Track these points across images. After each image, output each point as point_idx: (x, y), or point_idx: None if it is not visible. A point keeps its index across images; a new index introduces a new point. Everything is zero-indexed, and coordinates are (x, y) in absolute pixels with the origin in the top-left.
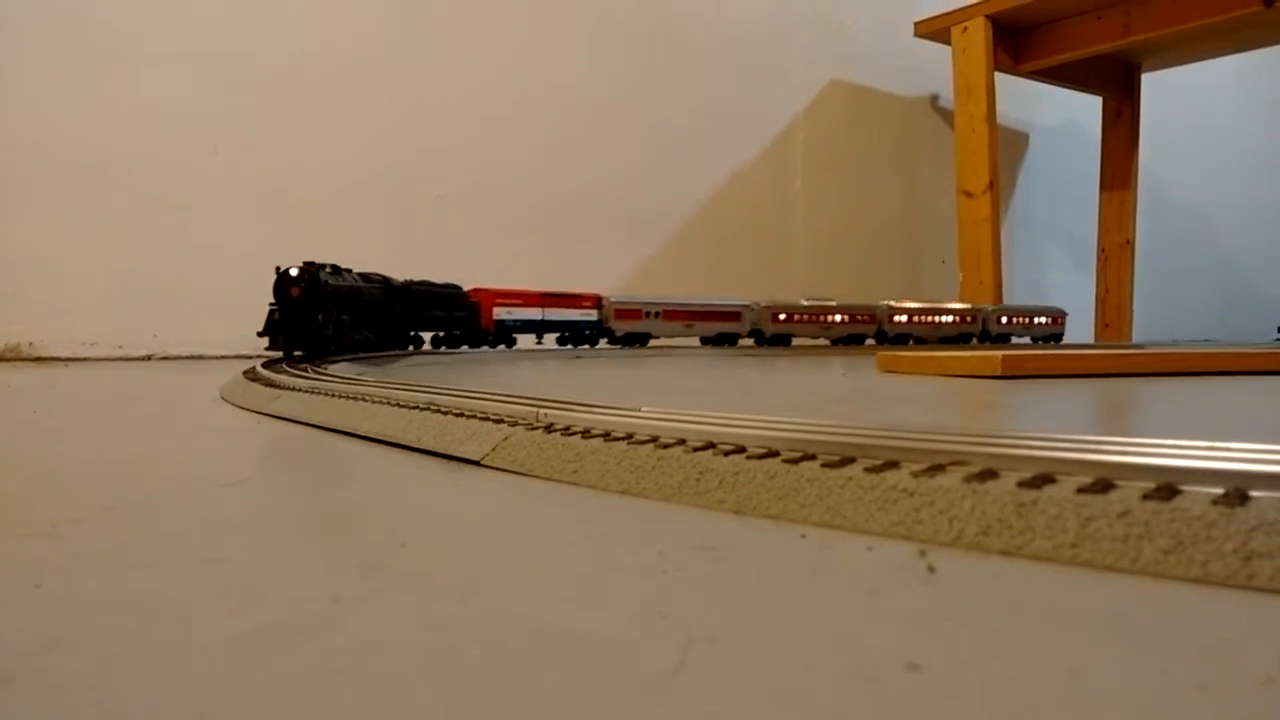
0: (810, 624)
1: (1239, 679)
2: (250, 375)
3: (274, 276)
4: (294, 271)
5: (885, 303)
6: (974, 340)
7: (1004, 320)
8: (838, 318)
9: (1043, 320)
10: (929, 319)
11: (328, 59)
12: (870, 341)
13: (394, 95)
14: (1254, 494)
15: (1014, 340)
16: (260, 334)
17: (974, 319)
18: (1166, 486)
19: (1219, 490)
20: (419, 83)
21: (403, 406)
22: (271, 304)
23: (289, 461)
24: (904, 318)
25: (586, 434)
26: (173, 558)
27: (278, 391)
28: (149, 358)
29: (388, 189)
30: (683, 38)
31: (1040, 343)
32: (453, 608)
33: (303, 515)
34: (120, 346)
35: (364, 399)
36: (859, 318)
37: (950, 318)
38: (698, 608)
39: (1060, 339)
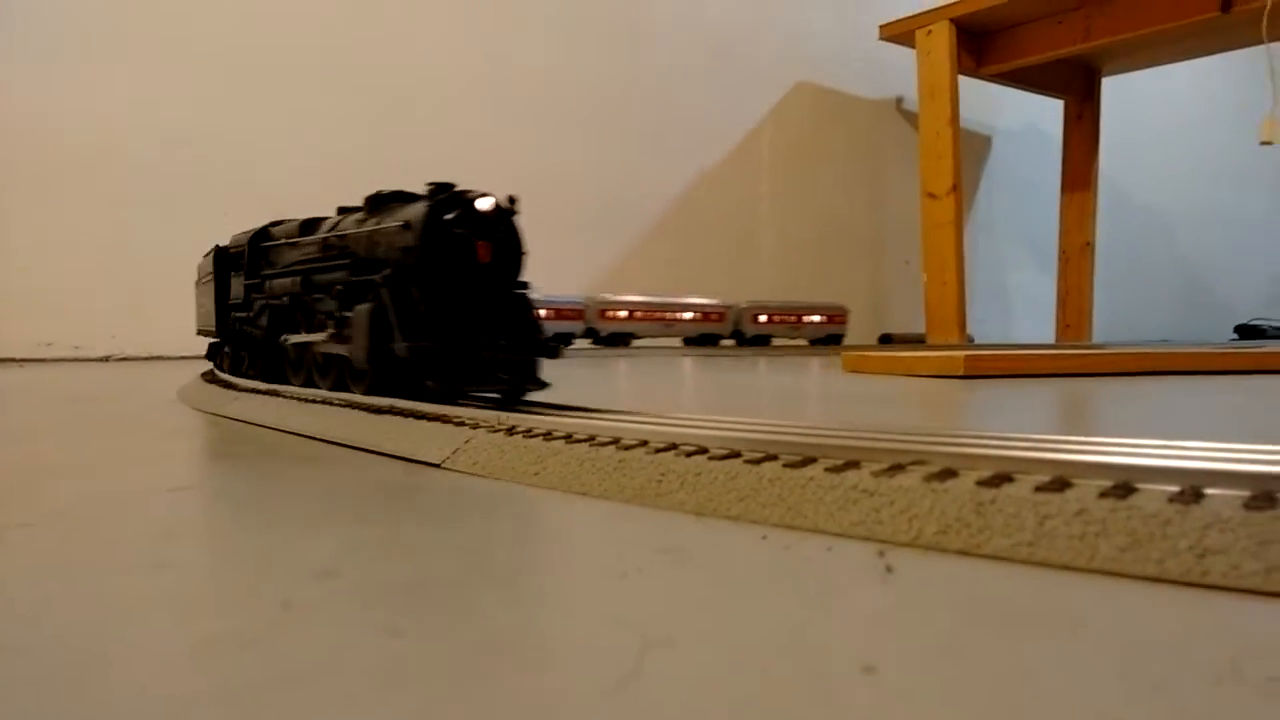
0: (767, 627)
1: (1193, 679)
2: (208, 377)
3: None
4: (485, 204)
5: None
6: (719, 343)
7: (760, 319)
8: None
9: (817, 318)
10: (668, 315)
11: (292, 53)
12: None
13: (360, 90)
14: (1208, 492)
15: (774, 343)
16: (369, 355)
17: (720, 317)
18: (1123, 485)
19: (1174, 488)
20: (386, 77)
21: (364, 410)
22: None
23: (244, 466)
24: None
25: (549, 436)
26: (121, 564)
27: (235, 394)
28: (107, 359)
29: (353, 184)
30: (651, 37)
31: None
32: (400, 615)
33: (255, 520)
34: (77, 347)
35: (325, 402)
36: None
37: (690, 314)
38: (655, 611)
39: (840, 340)
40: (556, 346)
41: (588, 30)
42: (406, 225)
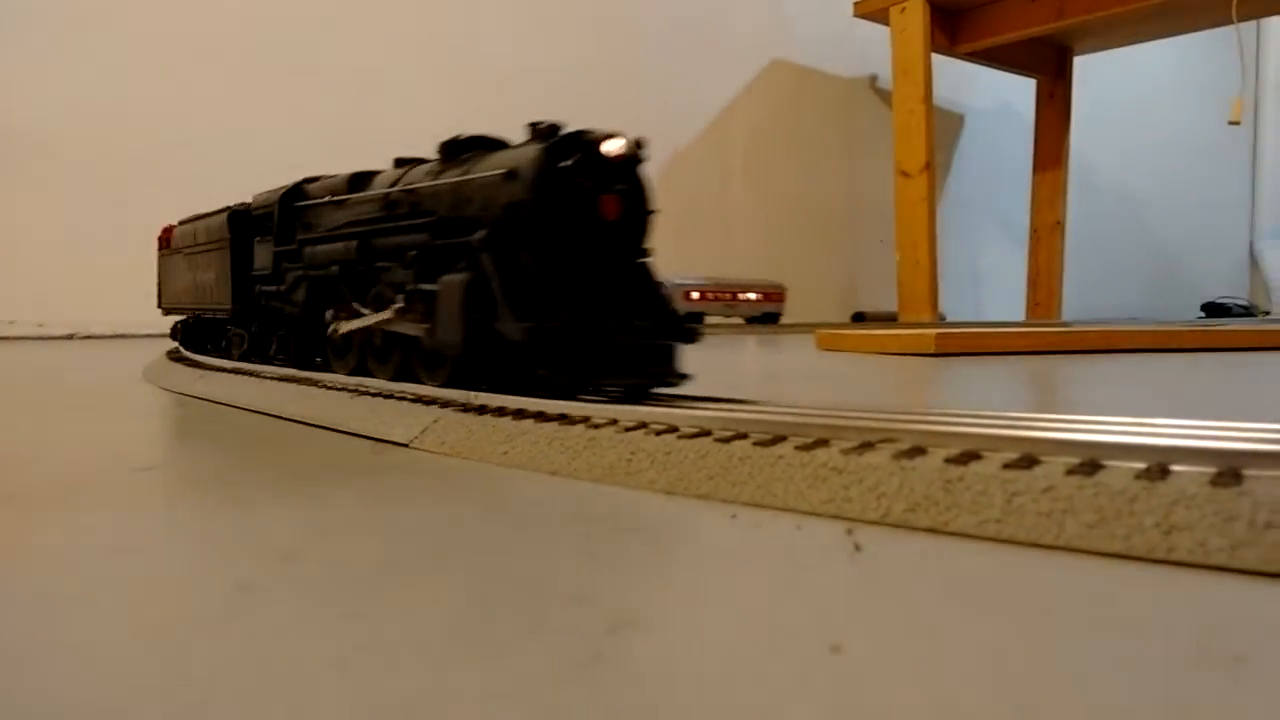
0: (735, 607)
1: (1159, 657)
2: (174, 355)
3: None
4: (614, 146)
5: None
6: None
7: (694, 295)
8: None
9: (753, 296)
10: None
11: (256, 31)
12: None
13: (325, 69)
14: (1175, 468)
15: (707, 321)
16: (460, 336)
17: None
18: (1090, 462)
19: (1141, 465)
20: (351, 57)
21: (331, 389)
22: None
23: (208, 446)
24: None
25: (518, 415)
26: (77, 546)
27: (201, 373)
28: (71, 336)
29: (320, 161)
30: (623, 15)
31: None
32: (361, 598)
33: (217, 501)
34: (41, 325)
35: (292, 380)
36: None
37: None
38: (622, 593)
39: (778, 319)
40: (695, 330)
41: (560, 9)
42: (512, 174)
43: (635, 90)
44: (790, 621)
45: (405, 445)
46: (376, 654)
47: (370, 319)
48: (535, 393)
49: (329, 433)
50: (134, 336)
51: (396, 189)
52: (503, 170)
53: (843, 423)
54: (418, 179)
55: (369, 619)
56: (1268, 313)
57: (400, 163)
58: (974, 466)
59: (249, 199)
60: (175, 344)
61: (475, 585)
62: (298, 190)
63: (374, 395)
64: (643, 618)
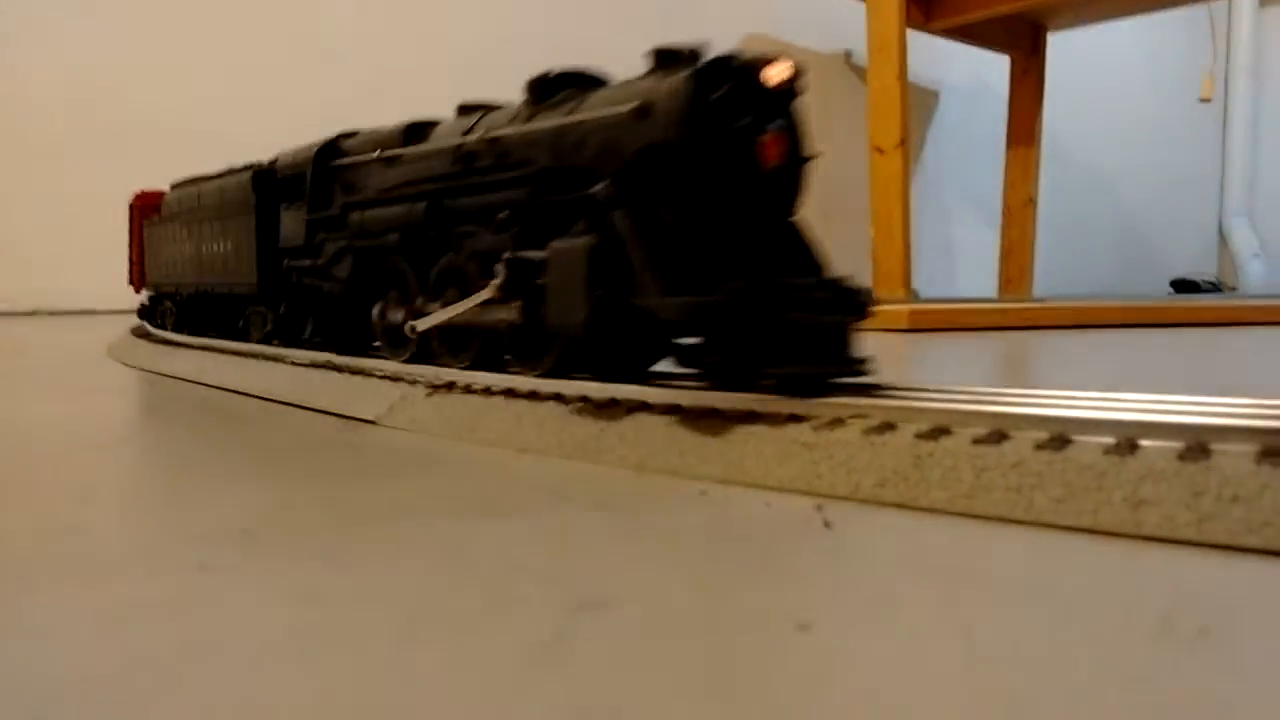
0: (703, 585)
1: (1127, 631)
2: (139, 332)
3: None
4: (778, 73)
5: None
6: None
7: None
8: None
9: None
10: None
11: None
12: None
13: (292, 34)
14: (1143, 443)
15: None
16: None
17: None
18: (1059, 437)
19: (1110, 440)
20: (319, 24)
21: (299, 365)
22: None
23: (171, 423)
24: None
25: (487, 392)
26: (33, 526)
27: (167, 349)
28: (35, 313)
29: (300, 129)
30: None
31: None
32: (321, 577)
33: (180, 480)
34: (5, 301)
35: (259, 357)
36: None
37: None
38: (588, 570)
39: None
40: (865, 304)
41: None
42: (645, 111)
43: (606, 63)
44: (759, 600)
45: (372, 422)
46: (336, 634)
47: (470, 302)
48: (675, 382)
49: (296, 410)
50: (100, 313)
51: (474, 138)
52: (632, 106)
53: (813, 399)
54: (501, 124)
55: (330, 599)
56: (1234, 288)
57: (465, 110)
58: (944, 442)
59: (239, 163)
60: (142, 321)
61: (439, 563)
62: (333, 147)
63: (343, 372)
64: (609, 596)
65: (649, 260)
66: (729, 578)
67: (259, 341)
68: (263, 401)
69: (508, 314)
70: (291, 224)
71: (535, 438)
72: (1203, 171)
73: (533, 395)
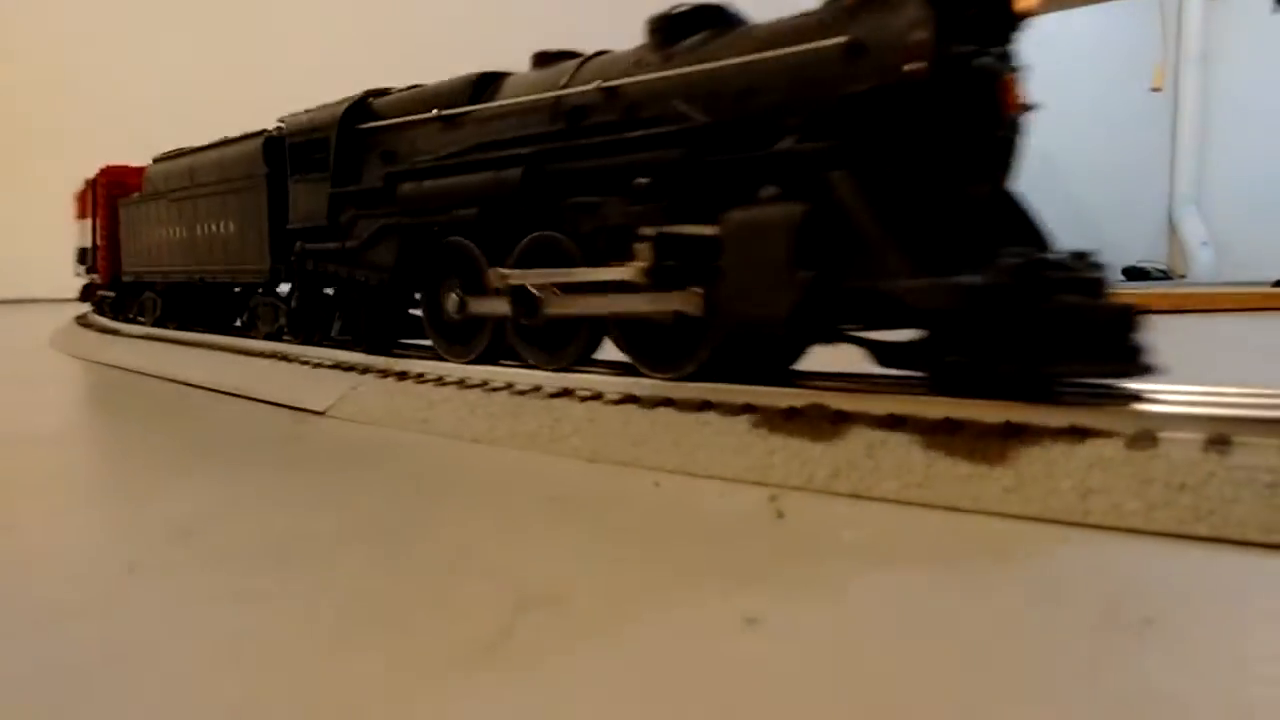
0: (652, 579)
1: (1072, 620)
2: (83, 321)
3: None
4: None
5: None
6: None
7: None
8: None
9: None
10: None
11: None
12: None
13: (233, 23)
14: (1092, 429)
15: None
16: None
17: None
18: (1009, 425)
19: (1059, 427)
20: (264, 13)
21: (247, 355)
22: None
23: (113, 416)
24: None
25: (440, 381)
26: None
27: (111, 338)
28: None
29: (235, 113)
30: None
31: None
32: (257, 577)
33: (118, 475)
34: None
35: (206, 346)
36: None
37: None
38: (537, 566)
39: None
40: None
41: None
42: (858, 48)
43: (575, 46)
44: (708, 593)
45: (322, 414)
46: (271, 635)
47: (594, 273)
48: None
49: (244, 401)
50: (44, 301)
51: (586, 88)
52: (840, 41)
53: (770, 389)
54: (620, 72)
55: (267, 598)
56: (1184, 276)
57: (545, 58)
58: (896, 431)
59: (231, 133)
60: (101, 314)
61: (382, 559)
62: (362, 108)
63: (292, 362)
64: (556, 592)
65: (889, 232)
66: (679, 572)
67: (267, 338)
68: (210, 393)
69: (649, 304)
70: (308, 200)
71: (487, 429)
72: (1153, 161)
73: (484, 385)
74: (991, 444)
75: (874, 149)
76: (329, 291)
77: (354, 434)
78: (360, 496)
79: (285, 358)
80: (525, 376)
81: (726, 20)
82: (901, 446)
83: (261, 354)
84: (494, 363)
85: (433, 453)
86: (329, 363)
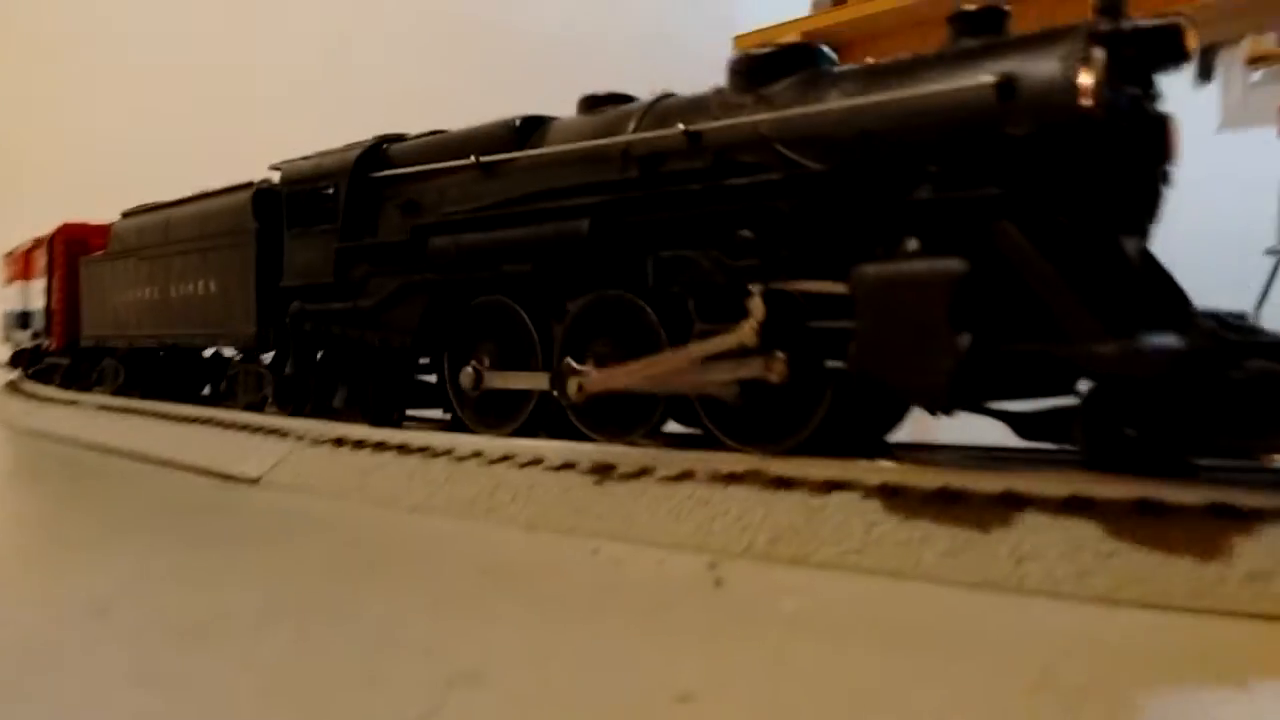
0: (586, 652)
1: (1008, 687)
2: (11, 386)
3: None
4: (1191, 38)
5: None
6: None
7: None
8: None
9: None
10: None
11: (110, 36)
12: None
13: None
14: (1028, 495)
15: None
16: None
17: None
18: (946, 490)
19: (997, 491)
20: (234, 57)
21: (177, 420)
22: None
23: (34, 485)
24: None
25: (379, 447)
26: None
27: (37, 404)
28: None
29: (188, 171)
30: (501, 17)
31: None
32: (169, 659)
33: (32, 549)
34: None
35: (135, 412)
36: None
37: None
38: (467, 640)
39: None
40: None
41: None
42: (1010, 87)
43: (512, 104)
44: (643, 667)
45: (255, 481)
46: (183, 715)
47: (705, 348)
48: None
49: (175, 469)
50: None
51: (671, 132)
52: (990, 81)
53: (710, 454)
54: (704, 115)
55: (182, 681)
56: None
57: (596, 102)
58: (836, 496)
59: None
60: (19, 372)
61: (306, 637)
62: (376, 154)
63: (224, 427)
64: (485, 668)
65: (1074, 290)
66: (612, 645)
67: (247, 409)
68: (141, 461)
69: (751, 369)
70: (309, 255)
71: (425, 496)
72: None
73: (424, 450)
74: (938, 509)
75: (1042, 197)
76: (323, 356)
77: (286, 502)
78: (287, 570)
79: (218, 423)
80: (468, 442)
81: (815, 60)
82: (841, 510)
83: (195, 419)
84: (535, 436)
85: (366, 522)
86: (266, 427)
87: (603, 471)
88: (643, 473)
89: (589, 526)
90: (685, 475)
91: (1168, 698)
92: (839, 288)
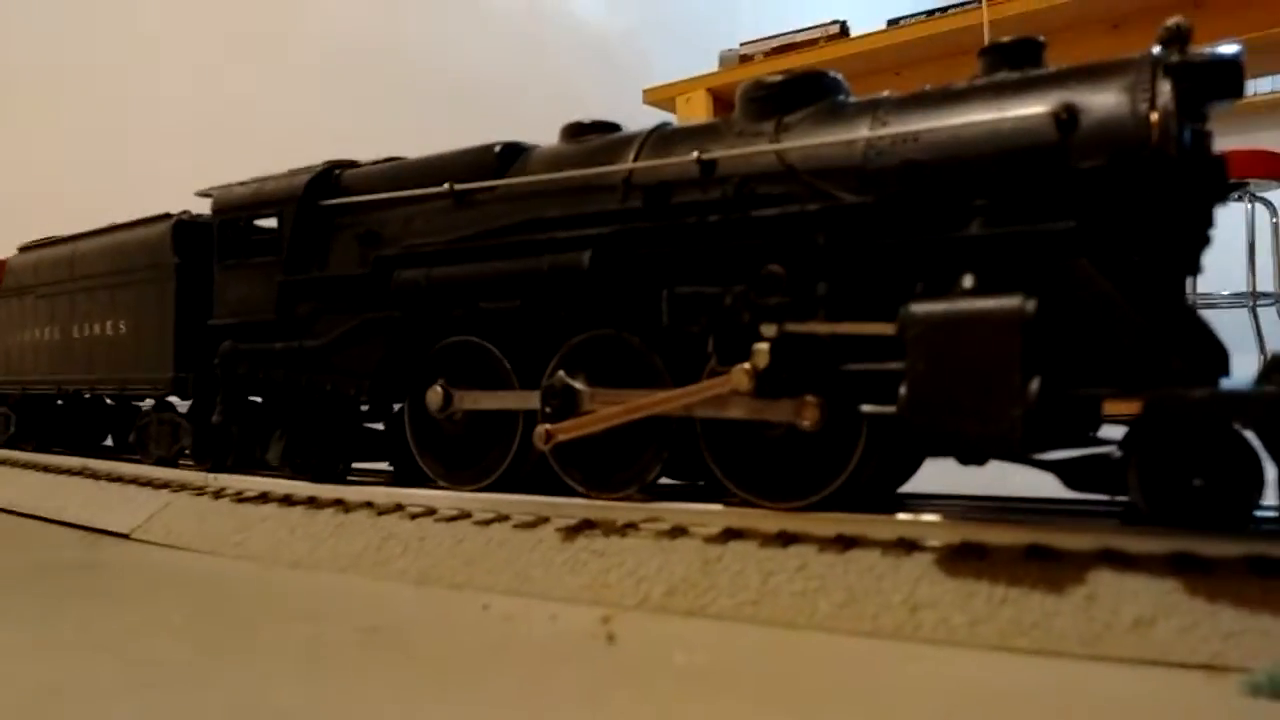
0: (465, 717)
1: None
2: None
3: None
4: (1235, 51)
5: None
6: None
7: None
8: None
9: None
10: None
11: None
12: None
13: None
14: (923, 543)
15: None
16: None
17: None
18: (843, 537)
19: (890, 539)
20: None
21: (49, 471)
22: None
23: None
24: None
25: (262, 499)
26: None
27: None
28: None
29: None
30: (412, 89)
31: None
32: None
33: None
34: None
35: (4, 463)
36: None
37: None
38: (333, 709)
39: None
40: None
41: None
42: (1072, 119)
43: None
44: None
45: (127, 536)
46: None
47: (700, 391)
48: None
49: (37, 522)
50: None
51: (683, 160)
52: (1047, 111)
53: (607, 504)
54: (717, 145)
55: None
56: None
57: (580, 130)
58: (732, 545)
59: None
60: None
61: (159, 710)
62: (327, 180)
63: (97, 478)
64: None
65: (1157, 331)
66: (492, 707)
67: (159, 463)
68: (3, 514)
69: (780, 412)
70: (243, 290)
71: (307, 551)
72: None
73: (310, 501)
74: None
75: (1112, 234)
76: (256, 403)
77: (157, 560)
78: (150, 635)
79: (91, 474)
80: (357, 493)
81: (835, 89)
82: (738, 560)
83: (65, 470)
84: (514, 490)
85: (242, 580)
86: (141, 479)
87: (497, 522)
88: (538, 523)
89: (482, 580)
90: (584, 524)
91: None
92: (886, 328)
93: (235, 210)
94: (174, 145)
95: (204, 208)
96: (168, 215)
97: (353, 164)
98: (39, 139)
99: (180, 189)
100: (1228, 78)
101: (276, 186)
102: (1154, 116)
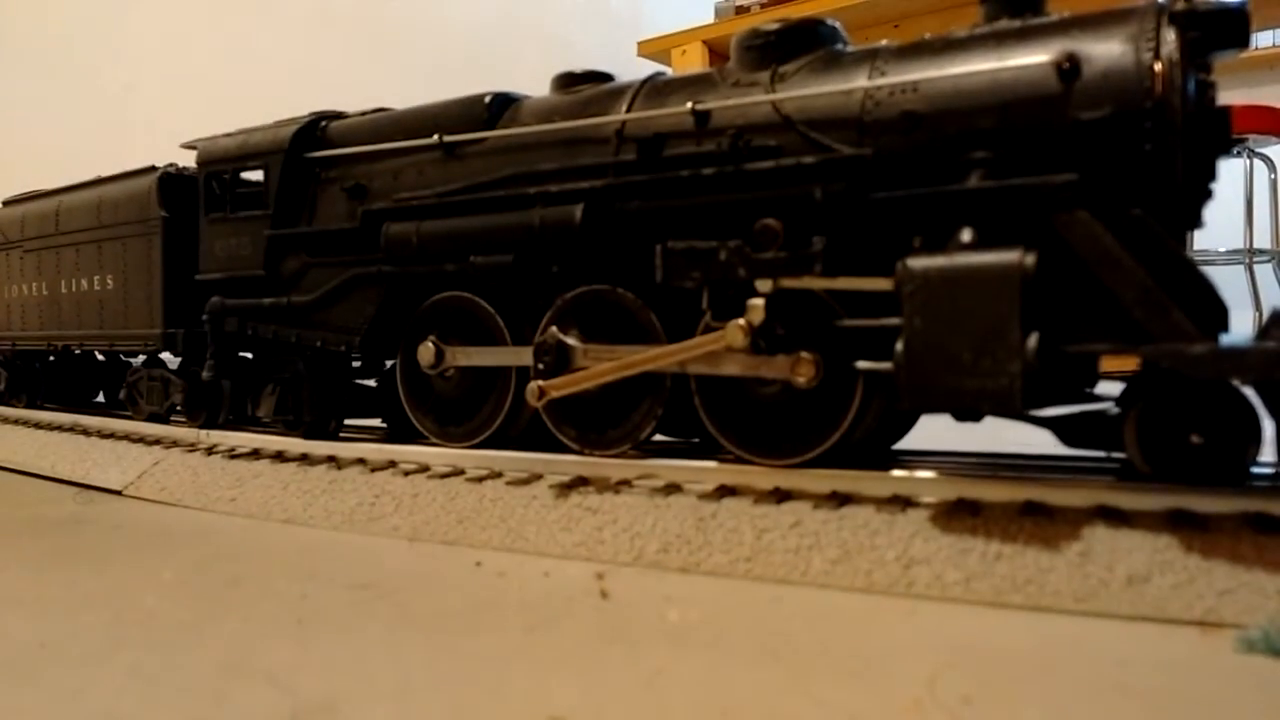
0: (455, 676)
1: (887, 703)
2: None
3: None
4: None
5: None
6: None
7: None
8: None
9: None
10: None
11: None
12: None
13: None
14: (918, 499)
15: None
16: None
17: None
18: (838, 494)
19: (885, 495)
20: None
21: (39, 428)
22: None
23: None
24: None
25: (254, 455)
26: None
27: None
28: None
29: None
30: (403, 38)
31: None
32: (13, 694)
33: None
34: None
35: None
36: None
37: None
38: (324, 667)
39: None
40: None
41: (332, 30)
42: (1073, 68)
43: (417, 94)
44: (513, 692)
45: (119, 492)
46: None
47: (692, 348)
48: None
49: (30, 479)
50: None
51: (677, 111)
52: (1049, 60)
53: (601, 460)
54: (712, 95)
55: (15, 716)
56: None
57: (572, 80)
58: (726, 502)
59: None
60: None
61: (149, 667)
62: (313, 132)
63: (88, 434)
64: (337, 698)
65: (1159, 286)
66: (483, 667)
67: (151, 419)
68: None
69: (775, 368)
70: (230, 244)
71: (301, 508)
72: None
73: (303, 459)
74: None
75: (1112, 187)
76: (247, 359)
77: (150, 516)
78: (140, 591)
79: (82, 430)
80: (350, 449)
81: (832, 38)
82: (732, 517)
83: (56, 427)
84: (507, 447)
85: (234, 536)
86: (133, 435)
87: (490, 479)
88: (532, 479)
89: (475, 537)
90: (578, 481)
91: (1050, 706)
92: (883, 283)
93: (221, 163)
94: (160, 96)
95: (190, 160)
96: (153, 168)
97: (340, 115)
98: (22, 90)
99: (166, 141)
100: (1234, 27)
101: (262, 138)
102: (1158, 66)
